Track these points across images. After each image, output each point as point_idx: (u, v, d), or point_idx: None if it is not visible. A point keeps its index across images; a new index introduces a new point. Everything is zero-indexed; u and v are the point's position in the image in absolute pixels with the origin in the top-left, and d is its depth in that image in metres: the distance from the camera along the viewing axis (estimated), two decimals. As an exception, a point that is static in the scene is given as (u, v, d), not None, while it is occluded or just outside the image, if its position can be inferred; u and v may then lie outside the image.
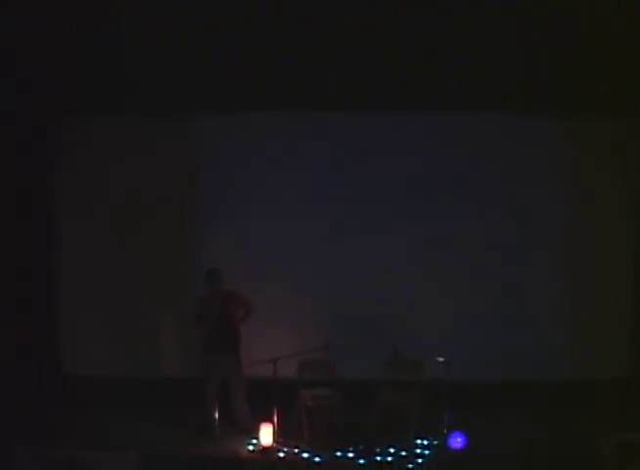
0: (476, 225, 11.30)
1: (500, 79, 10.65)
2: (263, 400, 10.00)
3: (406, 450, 9.74)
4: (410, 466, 9.48)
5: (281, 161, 11.34)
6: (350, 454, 9.69)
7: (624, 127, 11.19)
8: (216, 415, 10.18)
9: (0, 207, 11.22)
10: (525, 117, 11.04)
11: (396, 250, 11.34)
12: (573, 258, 11.29)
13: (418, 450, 9.77)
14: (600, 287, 11.29)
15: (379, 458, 9.63)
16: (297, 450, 9.83)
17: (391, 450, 9.73)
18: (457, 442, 9.76)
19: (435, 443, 9.91)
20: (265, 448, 9.83)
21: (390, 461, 9.61)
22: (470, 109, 10.99)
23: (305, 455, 9.74)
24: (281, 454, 9.79)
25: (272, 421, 9.93)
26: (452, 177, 11.25)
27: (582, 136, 11.20)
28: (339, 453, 9.71)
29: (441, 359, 9.98)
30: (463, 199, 11.29)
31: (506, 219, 11.27)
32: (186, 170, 11.44)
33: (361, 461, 9.57)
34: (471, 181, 11.26)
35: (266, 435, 9.88)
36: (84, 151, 11.51)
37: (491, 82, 10.68)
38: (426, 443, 9.92)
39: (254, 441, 9.97)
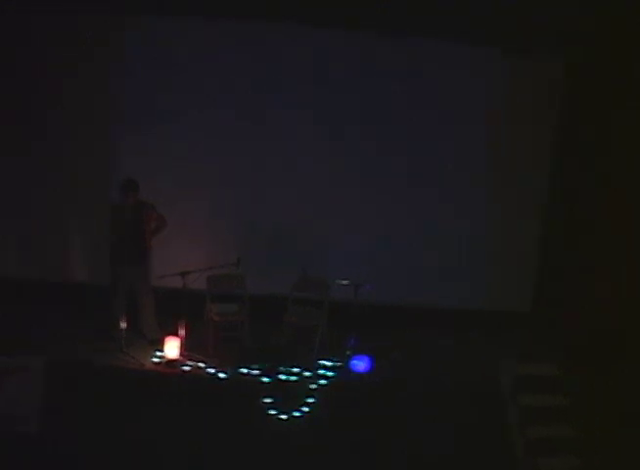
0: (397, 150, 11.26)
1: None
2: (171, 313, 10.04)
3: (310, 371, 9.91)
4: (313, 387, 9.65)
5: (202, 70, 11.03)
6: (255, 372, 9.82)
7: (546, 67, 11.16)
8: (123, 325, 10.09)
9: None
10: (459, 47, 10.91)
11: (310, 166, 11.23)
12: (490, 192, 11.35)
13: (321, 372, 9.94)
14: (512, 223, 11.38)
15: (283, 377, 9.80)
16: (201, 365, 9.91)
17: (296, 370, 9.90)
18: (360, 365, 9.96)
19: (339, 364, 10.09)
20: (170, 361, 9.87)
21: (294, 381, 9.78)
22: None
23: (210, 371, 9.83)
24: (186, 368, 9.85)
25: (179, 334, 9.97)
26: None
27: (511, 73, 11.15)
28: (243, 370, 9.83)
29: (345, 282, 10.13)
30: (384, 121, 11.22)
31: (428, 148, 11.26)
32: (110, 73, 11.04)
33: (265, 379, 9.70)
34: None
35: (172, 347, 9.91)
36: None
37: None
38: (329, 364, 10.09)
39: (160, 353, 10.00)
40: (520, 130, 11.18)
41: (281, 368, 9.88)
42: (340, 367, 10.04)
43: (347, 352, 10.09)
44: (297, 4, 10.50)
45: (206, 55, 11.01)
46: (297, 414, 9.40)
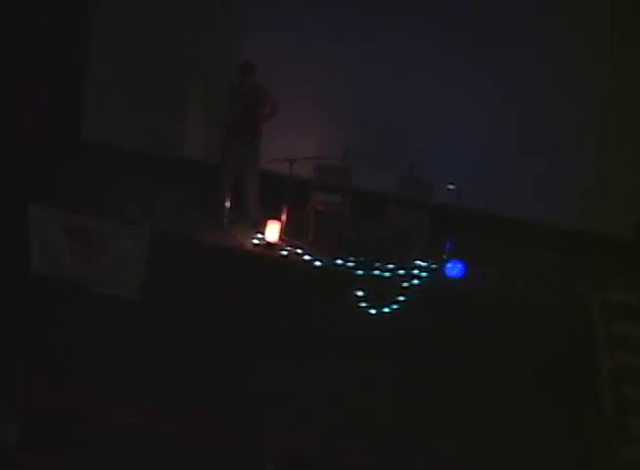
0: (507, 55, 10.92)
1: None
2: (275, 198, 10.21)
3: (404, 269, 9.97)
4: (405, 285, 9.74)
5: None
6: (350, 264, 9.94)
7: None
8: (228, 204, 10.32)
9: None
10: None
11: (426, 62, 11.01)
12: (598, 112, 10.92)
13: (416, 272, 9.98)
14: (621, 144, 10.99)
15: (377, 273, 9.88)
16: (299, 251, 10.09)
17: (390, 267, 9.97)
18: (455, 270, 9.99)
19: (434, 267, 10.13)
20: (269, 244, 10.09)
21: (387, 277, 9.84)
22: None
23: (307, 258, 10.02)
24: (283, 252, 10.06)
25: (280, 219, 10.15)
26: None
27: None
28: (339, 261, 9.96)
29: (452, 187, 10.01)
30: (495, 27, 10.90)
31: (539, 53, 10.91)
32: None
33: (359, 272, 9.81)
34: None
35: (272, 231, 10.11)
36: None
37: None
38: (424, 265, 10.11)
39: (260, 235, 10.22)
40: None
41: (376, 263, 9.97)
42: (434, 270, 10.06)
43: (444, 256, 10.12)
44: None
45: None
46: (386, 310, 9.60)
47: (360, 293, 9.60)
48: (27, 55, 11.05)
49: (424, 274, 9.94)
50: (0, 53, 10.89)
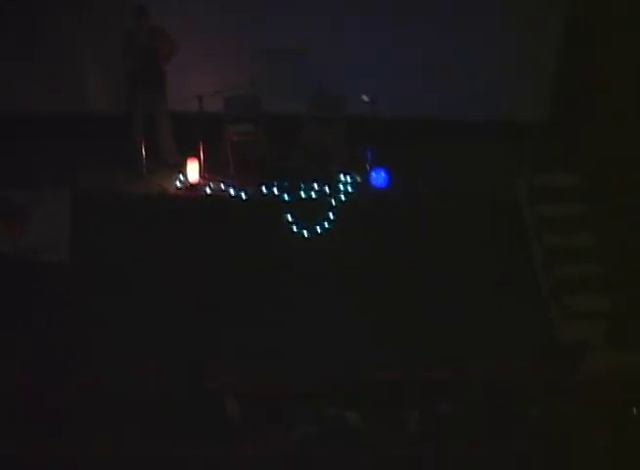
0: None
1: None
2: (189, 136, 10.09)
3: (329, 186, 10.02)
4: (333, 202, 9.82)
5: None
6: (275, 191, 9.96)
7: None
8: (143, 152, 10.20)
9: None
10: None
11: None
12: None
13: (341, 187, 10.06)
14: (529, 33, 11.03)
15: (303, 195, 9.93)
16: (223, 187, 10.06)
17: (315, 187, 10.02)
18: (380, 178, 10.08)
19: (358, 179, 10.20)
20: (192, 185, 10.04)
21: (314, 198, 9.93)
22: None
23: (232, 191, 10.00)
24: (207, 191, 10.03)
25: (198, 157, 10.06)
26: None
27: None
28: (264, 190, 9.98)
29: (366, 98, 10.00)
30: None
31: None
32: None
33: (286, 197, 9.86)
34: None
35: (192, 170, 10.05)
36: None
37: None
38: (349, 179, 10.20)
39: (182, 177, 10.14)
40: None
41: (301, 185, 10.00)
42: (358, 182, 10.15)
43: (366, 167, 10.19)
44: None
45: None
46: (318, 230, 9.69)
47: (290, 217, 9.69)
48: None
49: (349, 188, 10.05)
50: None
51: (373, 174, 10.08)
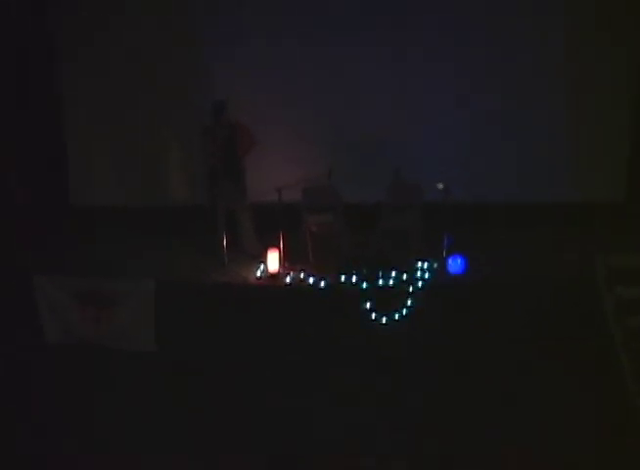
0: (475, 41, 11.19)
1: None
2: (269, 227, 10.36)
3: (407, 274, 10.10)
4: (411, 289, 9.87)
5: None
6: (354, 279, 10.07)
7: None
8: (225, 243, 10.51)
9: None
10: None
11: (395, 75, 11.31)
12: (573, 83, 11.24)
13: (419, 274, 10.12)
14: (599, 115, 11.28)
15: (381, 283, 10.01)
16: (302, 276, 10.22)
17: (393, 274, 10.10)
18: (456, 264, 10.13)
19: (435, 265, 10.27)
20: (273, 275, 10.25)
21: (392, 285, 10.00)
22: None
23: (311, 280, 10.15)
24: (287, 280, 10.20)
25: (278, 247, 10.29)
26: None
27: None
28: (342, 278, 10.11)
29: (441, 186, 10.15)
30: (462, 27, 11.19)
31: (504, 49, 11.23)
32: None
33: (364, 285, 9.95)
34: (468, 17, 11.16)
35: (273, 260, 10.26)
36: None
37: None
38: (426, 266, 10.28)
39: (262, 267, 10.38)
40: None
41: (379, 273, 10.10)
42: (436, 269, 10.21)
43: (443, 254, 10.27)
44: None
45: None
46: (396, 317, 9.75)
47: (369, 305, 9.78)
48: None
49: (427, 275, 10.12)
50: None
51: (450, 261, 10.14)
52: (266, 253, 10.29)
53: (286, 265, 10.36)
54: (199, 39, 11.41)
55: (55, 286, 10.11)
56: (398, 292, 9.88)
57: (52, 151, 11.73)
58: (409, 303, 9.74)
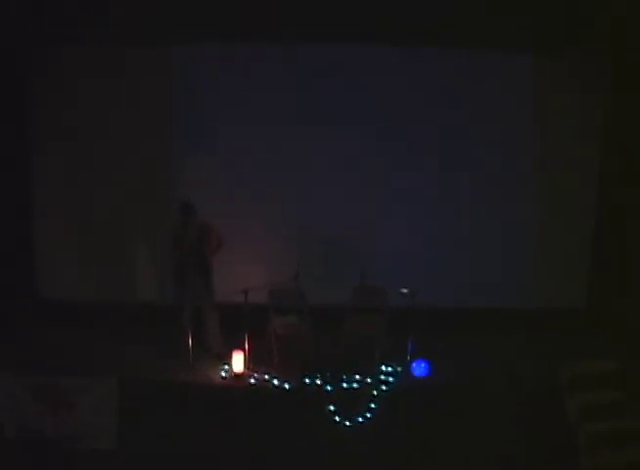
0: (445, 152, 11.55)
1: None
2: (235, 328, 10.41)
3: (371, 378, 10.17)
4: (375, 393, 9.93)
5: (250, 93, 11.45)
6: (318, 381, 10.11)
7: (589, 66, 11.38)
8: (190, 343, 10.53)
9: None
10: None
11: (362, 179, 11.58)
12: (541, 194, 11.62)
13: (383, 378, 10.20)
14: (566, 225, 11.66)
15: (345, 385, 10.06)
16: (267, 377, 10.26)
17: (357, 377, 10.17)
18: (420, 369, 10.23)
19: (399, 370, 10.35)
20: (237, 375, 10.26)
21: (356, 388, 10.06)
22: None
23: (275, 382, 10.17)
24: (252, 381, 10.22)
25: (243, 348, 10.34)
26: (418, 109, 11.49)
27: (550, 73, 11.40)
28: (307, 380, 10.14)
29: (405, 291, 10.31)
30: (432, 130, 11.52)
31: (478, 149, 11.56)
32: (164, 101, 11.53)
33: (328, 388, 9.99)
34: (440, 113, 11.49)
35: (238, 362, 10.29)
36: (57, 74, 11.52)
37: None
38: (390, 370, 10.36)
39: (226, 367, 10.40)
40: (564, 130, 11.44)
41: (343, 376, 10.16)
42: (400, 372, 10.30)
43: (407, 358, 10.36)
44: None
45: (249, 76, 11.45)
46: (360, 420, 9.73)
47: (332, 407, 9.77)
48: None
49: (390, 379, 10.18)
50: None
51: (414, 365, 10.24)
52: (231, 353, 10.32)
53: (250, 366, 10.38)
54: (167, 134, 11.61)
55: (15, 381, 10.03)
56: (362, 395, 9.94)
57: (19, 242, 11.75)
58: (373, 405, 9.78)
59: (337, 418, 9.69)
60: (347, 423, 9.66)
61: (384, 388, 9.99)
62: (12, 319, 11.41)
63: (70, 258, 11.85)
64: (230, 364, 10.32)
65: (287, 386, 10.08)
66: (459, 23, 10.71)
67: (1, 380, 9.94)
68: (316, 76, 11.39)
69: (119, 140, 11.59)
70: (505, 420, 9.66)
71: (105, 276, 11.90)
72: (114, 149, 11.61)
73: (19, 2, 10.72)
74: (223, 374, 10.33)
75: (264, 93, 11.43)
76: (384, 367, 10.36)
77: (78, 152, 11.66)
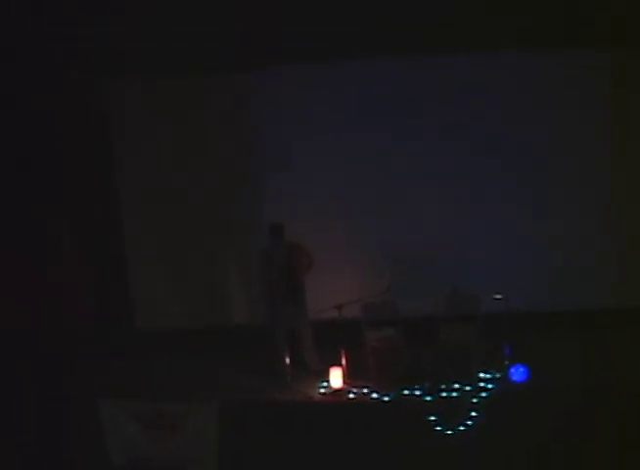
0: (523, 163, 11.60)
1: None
2: (331, 344, 10.50)
3: (470, 385, 10.09)
4: (475, 401, 9.83)
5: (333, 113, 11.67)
6: (417, 392, 10.10)
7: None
8: (287, 362, 10.65)
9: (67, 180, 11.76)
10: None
11: (449, 190, 11.68)
12: (619, 189, 11.51)
13: (481, 385, 10.11)
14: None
15: (444, 394, 10.02)
16: (365, 391, 10.28)
17: (456, 386, 10.12)
18: (519, 374, 10.10)
19: (498, 376, 10.26)
20: (336, 391, 10.31)
21: (456, 397, 10.00)
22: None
23: (374, 395, 10.19)
24: (351, 395, 10.26)
25: (340, 364, 10.40)
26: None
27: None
28: (405, 392, 10.12)
29: (499, 296, 10.27)
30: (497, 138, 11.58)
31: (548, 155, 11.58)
32: (247, 123, 11.84)
33: (427, 398, 9.95)
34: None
35: (336, 377, 10.34)
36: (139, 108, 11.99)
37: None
38: (489, 376, 10.29)
39: (325, 384, 10.45)
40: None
41: (442, 386, 10.13)
42: (499, 379, 10.22)
43: (505, 363, 10.27)
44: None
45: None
46: (462, 428, 9.68)
47: (433, 417, 9.73)
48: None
49: (490, 385, 10.11)
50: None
51: (512, 370, 10.14)
52: (329, 369, 10.39)
53: (349, 381, 10.42)
54: (254, 163, 11.97)
55: (121, 410, 10.28)
56: (463, 403, 9.86)
57: (115, 274, 12.20)
58: (474, 413, 9.72)
59: (438, 428, 9.68)
60: (449, 432, 9.65)
61: (483, 395, 9.92)
62: (113, 351, 11.77)
63: (164, 287, 12.21)
64: (328, 380, 10.39)
65: (386, 398, 10.10)
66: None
67: (108, 409, 10.27)
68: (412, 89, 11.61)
69: (201, 169, 12.00)
70: (608, 424, 9.47)
71: (199, 303, 12.19)
72: (197, 179, 12.03)
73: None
74: (322, 390, 10.40)
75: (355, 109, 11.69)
76: (482, 374, 10.31)
77: (163, 182, 12.07)
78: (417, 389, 10.12)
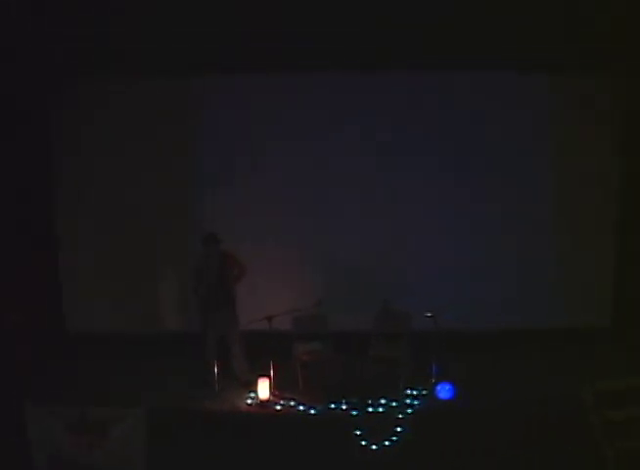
0: (465, 179, 11.70)
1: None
2: (260, 355, 10.56)
3: (397, 401, 10.22)
4: (401, 416, 9.95)
5: (270, 123, 11.68)
6: (344, 406, 10.17)
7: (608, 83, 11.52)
8: (216, 370, 10.64)
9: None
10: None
11: (385, 206, 11.75)
12: (561, 212, 11.73)
13: (408, 401, 10.24)
14: (585, 240, 11.72)
15: (371, 409, 10.11)
16: (292, 403, 10.34)
17: (383, 401, 10.22)
18: (445, 391, 10.25)
19: (424, 393, 10.40)
20: (263, 402, 10.33)
21: (382, 412, 10.10)
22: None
23: (301, 408, 10.24)
24: (277, 407, 10.30)
25: (269, 375, 10.42)
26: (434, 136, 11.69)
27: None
28: (332, 405, 10.21)
29: (429, 314, 10.38)
30: (455, 153, 11.71)
31: (494, 175, 11.70)
32: (186, 134, 11.79)
33: (354, 413, 10.03)
34: (454, 139, 11.68)
35: (263, 388, 10.36)
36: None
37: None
38: (415, 393, 10.41)
39: (252, 394, 10.48)
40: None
41: (369, 401, 10.21)
42: (425, 395, 10.34)
43: (432, 381, 10.40)
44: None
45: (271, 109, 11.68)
46: (387, 443, 9.72)
47: (358, 432, 9.79)
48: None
49: (416, 402, 10.23)
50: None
51: (438, 387, 10.27)
52: (257, 380, 10.40)
53: (276, 393, 10.46)
54: (186, 167, 11.89)
55: (47, 414, 10.14)
56: (388, 418, 9.96)
57: (47, 276, 11.98)
58: (399, 429, 9.80)
59: (363, 442, 9.71)
60: (374, 447, 9.70)
61: (409, 411, 10.04)
62: (42, 353, 11.59)
63: (96, 291, 12.04)
64: (256, 391, 10.40)
65: (313, 411, 10.15)
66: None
67: (34, 412, 10.11)
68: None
69: (139, 173, 11.89)
70: (532, 441, 9.63)
71: (131, 308, 12.04)
72: (134, 183, 11.89)
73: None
74: (249, 401, 10.41)
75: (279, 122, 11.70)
76: (409, 391, 10.42)
77: (99, 184, 11.93)
78: (344, 403, 10.21)
